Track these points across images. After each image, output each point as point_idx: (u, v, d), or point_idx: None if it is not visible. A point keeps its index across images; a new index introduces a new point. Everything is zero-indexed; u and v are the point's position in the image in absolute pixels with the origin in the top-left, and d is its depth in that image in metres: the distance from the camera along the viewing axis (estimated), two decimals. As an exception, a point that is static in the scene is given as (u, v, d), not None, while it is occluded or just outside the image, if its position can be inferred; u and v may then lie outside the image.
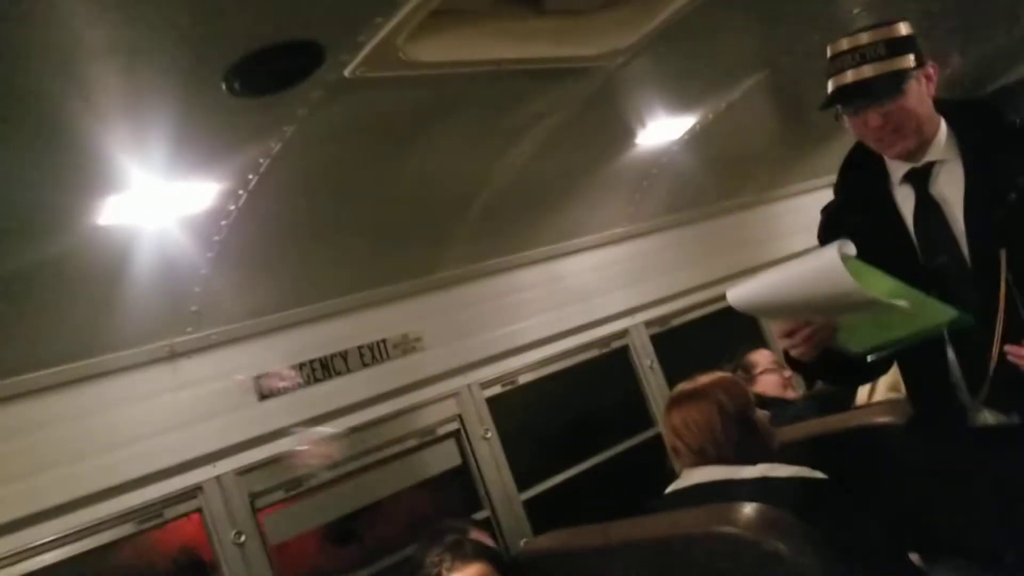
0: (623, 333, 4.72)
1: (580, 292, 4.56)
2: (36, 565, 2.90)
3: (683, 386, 2.96)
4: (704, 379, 2.94)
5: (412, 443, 3.82)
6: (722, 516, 2.31)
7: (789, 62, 3.97)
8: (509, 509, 3.91)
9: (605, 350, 4.68)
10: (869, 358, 2.17)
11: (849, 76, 2.03)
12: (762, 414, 2.85)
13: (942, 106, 2.16)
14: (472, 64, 2.65)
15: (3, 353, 2.79)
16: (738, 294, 2.03)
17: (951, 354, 2.09)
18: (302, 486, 3.47)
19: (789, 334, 2.04)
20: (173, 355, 3.21)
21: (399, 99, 2.78)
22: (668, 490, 2.87)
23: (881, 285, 1.94)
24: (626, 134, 4.02)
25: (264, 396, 3.41)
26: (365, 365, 3.69)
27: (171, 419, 3.19)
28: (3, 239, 2.45)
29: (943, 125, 2.14)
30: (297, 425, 3.48)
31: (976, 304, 1.98)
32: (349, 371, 3.64)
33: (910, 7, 3.62)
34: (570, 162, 3.97)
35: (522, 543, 3.73)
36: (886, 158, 2.21)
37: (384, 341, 3.75)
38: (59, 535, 2.93)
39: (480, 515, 3.86)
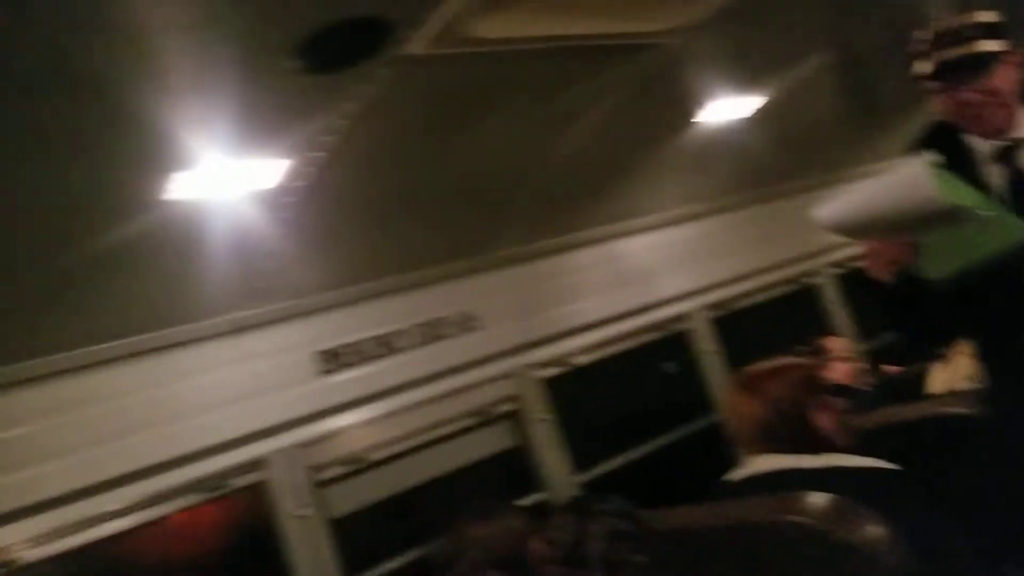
0: (682, 316, 4.66)
1: (638, 274, 4.52)
2: (103, 533, 2.98)
3: (743, 372, 2.90)
4: (764, 367, 2.85)
5: (468, 422, 3.83)
6: (790, 505, 2.23)
7: (858, 40, 3.86)
8: (565, 492, 3.89)
9: (664, 333, 4.62)
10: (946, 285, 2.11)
11: (954, 52, 2.08)
12: (832, 402, 2.76)
13: None
14: (538, 40, 2.62)
15: (74, 325, 2.85)
16: (825, 211, 2.03)
17: None
18: (361, 461, 3.50)
19: (870, 252, 2.10)
20: (238, 328, 3.26)
21: (462, 77, 2.76)
22: (730, 477, 2.82)
23: (964, 196, 1.93)
24: (689, 112, 3.95)
25: (325, 371, 3.44)
26: (423, 343, 3.70)
27: (235, 391, 3.24)
28: (81, 218, 2.50)
29: None
30: (357, 400, 3.51)
31: None
32: (407, 348, 3.66)
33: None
34: (631, 140, 3.92)
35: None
36: (967, 140, 2.17)
37: (441, 319, 3.75)
38: (126, 504, 3.01)
39: (535, 497, 3.85)
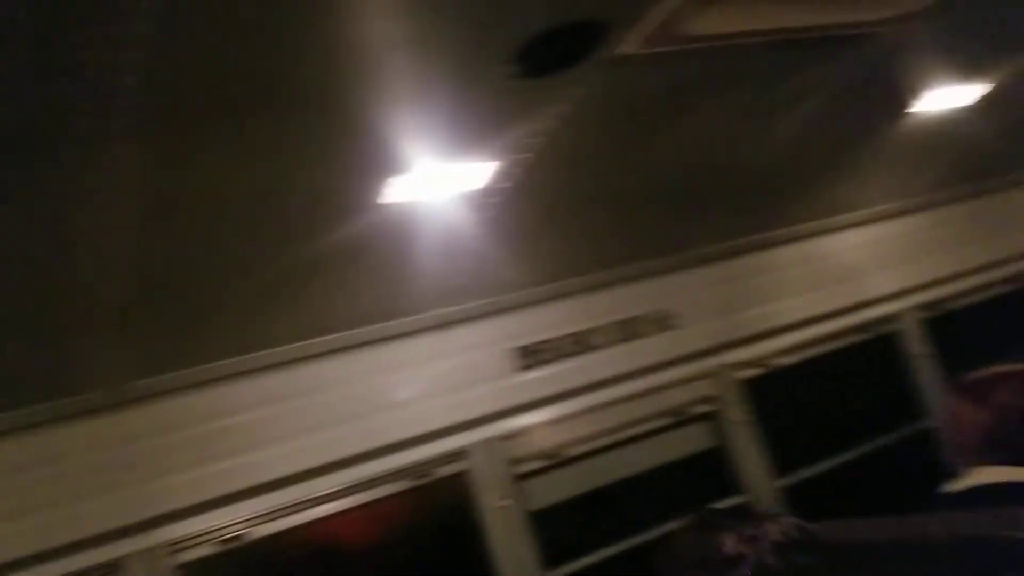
0: (892, 317, 4.40)
1: (844, 272, 4.31)
2: (317, 514, 3.17)
3: (966, 377, 2.71)
4: (990, 372, 2.65)
5: (664, 421, 3.79)
6: (1013, 521, 2.09)
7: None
8: (765, 496, 3.78)
9: (871, 335, 4.39)
10: None
11: None
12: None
13: None
14: (753, 34, 2.54)
15: (300, 319, 3.06)
16: None
17: None
18: (559, 456, 3.55)
19: None
20: (442, 324, 3.38)
21: (671, 74, 2.73)
22: (946, 489, 2.65)
23: None
24: (905, 103, 3.72)
25: (525, 367, 3.51)
26: (618, 341, 3.70)
27: (439, 385, 3.37)
28: (305, 219, 2.67)
29: None
30: (554, 396, 3.56)
31: None
32: (603, 346, 3.67)
33: None
34: (840, 134, 3.74)
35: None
36: None
37: (638, 317, 3.74)
38: (340, 487, 3.19)
39: (733, 501, 3.77)
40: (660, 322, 3.79)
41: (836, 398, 4.35)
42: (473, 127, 2.57)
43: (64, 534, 2.75)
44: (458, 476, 3.37)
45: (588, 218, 3.38)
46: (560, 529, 3.55)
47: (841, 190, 4.16)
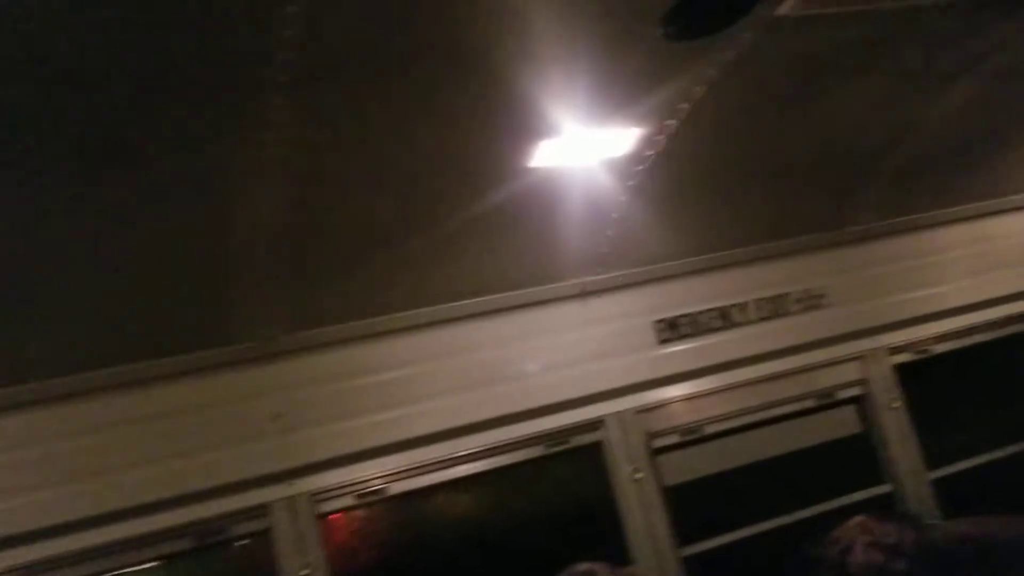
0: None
1: (1012, 257, 4.02)
2: (455, 475, 3.23)
3: None
4: None
5: (809, 404, 3.67)
6: None
7: None
8: (915, 487, 3.61)
9: (1040, 324, 4.09)
10: None
11: None
12: None
13: None
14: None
15: (449, 281, 3.13)
16: None
17: None
18: (696, 433, 3.49)
19: None
20: (584, 293, 3.39)
21: (829, 39, 2.61)
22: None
23: None
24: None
25: (664, 340, 3.47)
26: (764, 318, 3.60)
27: (578, 353, 3.38)
28: (456, 182, 2.72)
29: None
30: (693, 372, 3.51)
31: None
32: (747, 323, 3.59)
33: None
34: (1014, 106, 3.48)
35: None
36: None
37: (785, 295, 3.62)
38: (478, 448, 3.25)
39: (880, 490, 3.61)
40: (809, 301, 3.66)
41: (997, 390, 4.09)
42: (620, 90, 2.55)
43: (212, 478, 2.90)
44: (594, 446, 3.37)
45: (734, 190, 3.30)
46: (695, 507, 3.50)
47: (1011, 168, 3.88)
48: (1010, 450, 3.86)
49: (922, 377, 3.83)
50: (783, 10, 2.26)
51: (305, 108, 2.19)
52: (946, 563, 2.53)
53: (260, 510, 2.97)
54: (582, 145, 2.83)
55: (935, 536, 2.67)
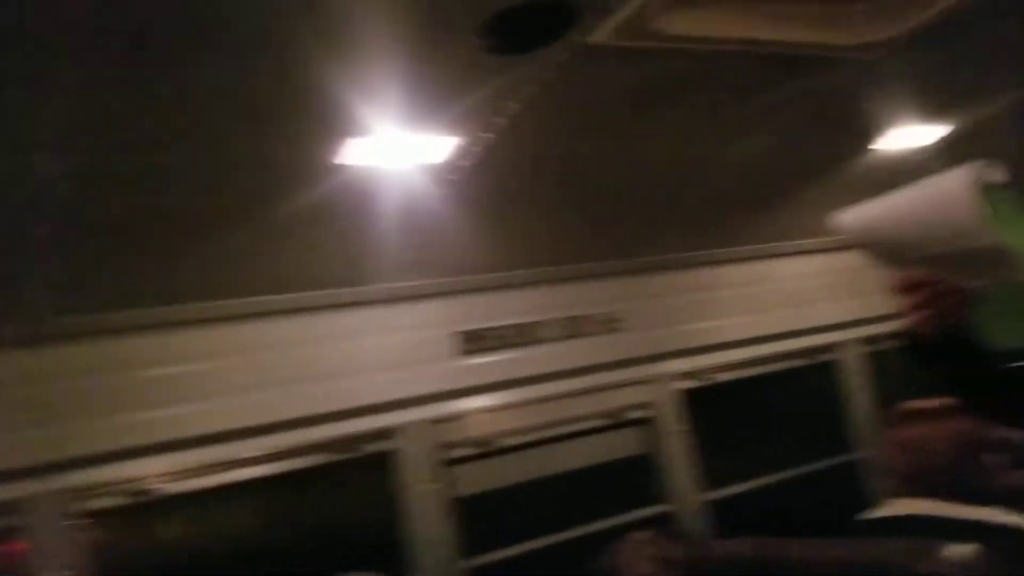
0: (833, 346, 4.46)
1: (789, 297, 4.36)
2: (239, 478, 3.11)
3: (915, 403, 2.74)
4: (929, 406, 2.69)
5: (599, 423, 3.79)
6: (926, 553, 2.11)
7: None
8: (690, 508, 3.80)
9: (810, 361, 4.45)
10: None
11: None
12: (995, 453, 2.58)
13: None
14: (723, 41, 2.55)
15: (243, 275, 3.00)
16: (851, 216, 1.59)
17: None
18: (489, 445, 3.53)
19: (909, 288, 1.56)
20: (388, 299, 3.35)
21: (641, 72, 2.72)
22: (867, 516, 2.68)
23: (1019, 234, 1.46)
24: (869, 136, 3.77)
25: (466, 352, 3.49)
26: (564, 337, 3.70)
27: (377, 360, 3.33)
28: (258, 177, 2.62)
29: None
30: (491, 385, 3.55)
31: None
32: (548, 340, 3.66)
33: None
34: (805, 159, 3.77)
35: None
36: None
37: (585, 316, 3.74)
38: (263, 452, 3.13)
39: (657, 510, 3.78)
40: (607, 324, 3.79)
41: (772, 419, 4.39)
42: (436, 95, 2.55)
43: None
44: (386, 455, 3.33)
45: (544, 210, 3.38)
46: (488, 519, 3.53)
47: (796, 215, 4.20)
48: (782, 476, 4.15)
49: (705, 403, 4.07)
50: (595, 38, 2.33)
51: (96, 78, 2.03)
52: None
53: (13, 505, 2.72)
54: (395, 148, 2.80)
55: (712, 554, 2.79)
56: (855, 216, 1.62)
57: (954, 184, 1.44)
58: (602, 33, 2.34)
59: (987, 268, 1.51)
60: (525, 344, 3.62)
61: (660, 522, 3.69)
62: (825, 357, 4.47)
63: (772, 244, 4.28)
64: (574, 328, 3.72)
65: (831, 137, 3.62)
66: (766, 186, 3.84)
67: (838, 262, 4.48)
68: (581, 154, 3.16)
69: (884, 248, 1.61)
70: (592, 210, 3.54)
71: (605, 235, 3.69)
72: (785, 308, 4.34)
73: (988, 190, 1.43)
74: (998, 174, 1.49)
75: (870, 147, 3.84)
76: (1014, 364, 1.65)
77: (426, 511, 3.29)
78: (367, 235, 3.11)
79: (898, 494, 2.60)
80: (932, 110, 3.69)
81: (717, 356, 4.10)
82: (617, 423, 3.85)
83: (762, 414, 4.33)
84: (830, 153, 3.81)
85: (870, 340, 4.52)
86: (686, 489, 3.83)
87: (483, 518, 3.53)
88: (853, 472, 4.28)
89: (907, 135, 3.81)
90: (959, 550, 2.06)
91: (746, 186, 3.78)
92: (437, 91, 2.55)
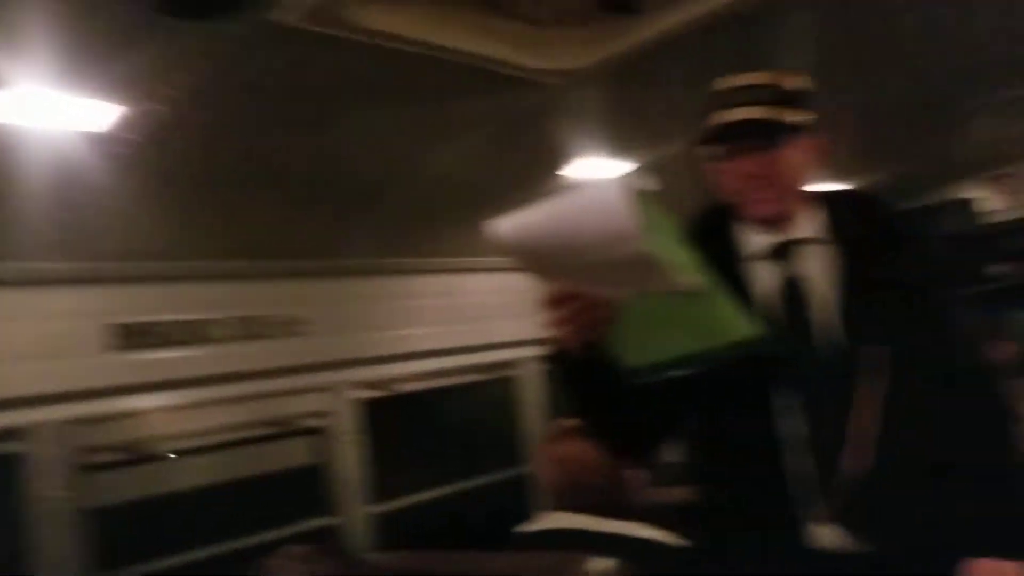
0: (513, 363, 4.59)
1: (476, 313, 4.42)
2: None
3: (560, 425, 2.84)
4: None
5: (273, 430, 3.60)
6: (571, 567, 2.18)
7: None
8: (358, 520, 3.70)
9: (492, 376, 4.56)
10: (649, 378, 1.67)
11: (735, 114, 1.77)
12: (640, 472, 2.74)
13: (818, 193, 1.94)
14: (417, 44, 2.49)
15: None
16: (505, 225, 1.49)
17: (790, 456, 1.79)
18: (141, 451, 3.20)
19: (555, 302, 1.56)
20: (27, 281, 2.92)
21: (332, 62, 2.60)
22: (523, 529, 2.74)
23: (674, 251, 1.49)
24: (557, 163, 3.92)
25: (120, 347, 3.13)
26: (238, 338, 3.45)
27: (11, 349, 2.89)
28: None
29: (817, 207, 1.92)
30: (150, 385, 3.22)
31: (833, 399, 1.77)
32: (219, 341, 3.40)
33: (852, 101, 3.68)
34: (494, 177, 3.81)
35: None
36: (744, 231, 1.93)
37: (263, 317, 3.52)
38: None
39: (323, 521, 3.64)
40: (289, 326, 3.59)
41: (450, 432, 4.43)
42: (98, 53, 2.25)
43: None
44: (11, 458, 2.89)
45: (225, 198, 3.13)
46: (127, 530, 3.18)
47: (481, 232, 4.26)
48: (453, 488, 4.18)
49: (384, 414, 4.00)
50: (283, 18, 2.18)
51: None
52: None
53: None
54: (46, 107, 2.44)
55: (367, 570, 2.70)
56: (507, 224, 1.51)
57: (608, 192, 1.40)
58: (291, 13, 2.19)
59: (636, 279, 1.50)
60: (193, 343, 3.33)
61: (323, 535, 3.55)
62: (505, 373, 4.59)
63: (461, 259, 4.31)
64: (250, 329, 3.49)
65: (521, 158, 3.70)
66: (458, 199, 3.85)
67: (523, 281, 4.63)
68: (270, 142, 2.96)
69: (535, 258, 1.54)
70: (279, 204, 3.34)
71: (291, 233, 3.51)
72: (470, 322, 4.40)
73: (640, 198, 1.41)
74: (650, 183, 1.48)
75: (558, 173, 4.00)
76: (642, 383, 1.69)
77: (56, 521, 2.89)
78: (7, 204, 2.69)
79: (552, 508, 2.68)
80: (620, 143, 3.90)
81: (400, 367, 4.05)
82: (289, 431, 3.66)
83: (441, 427, 4.35)
84: (519, 174, 3.90)
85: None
86: (356, 502, 3.72)
87: (133, 529, 3.19)
88: (523, 486, 4.42)
89: (594, 165, 4.01)
90: (602, 563, 2.15)
91: (439, 197, 3.77)
92: (100, 47, 2.25)
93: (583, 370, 1.64)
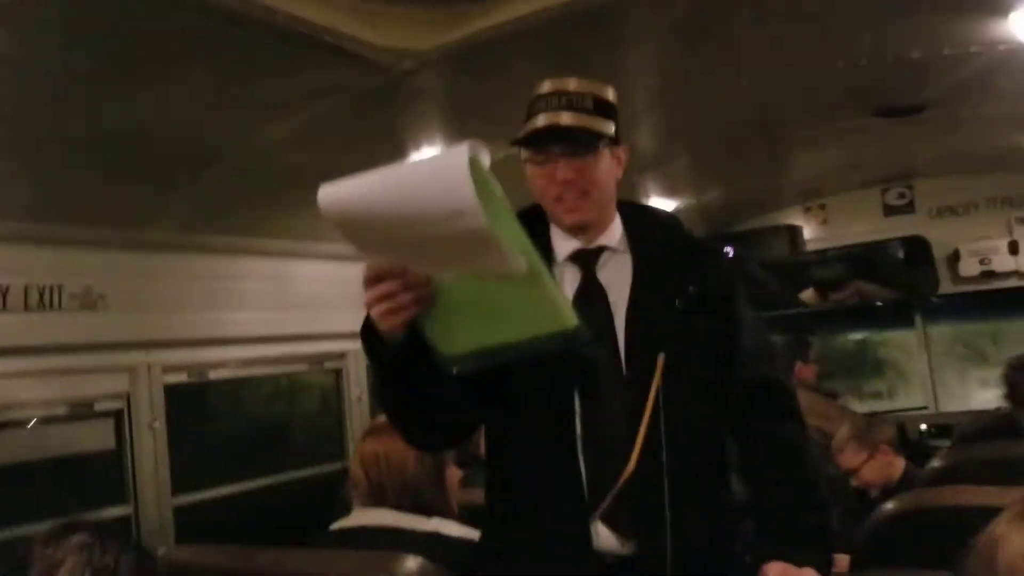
0: (340, 355, 4.43)
1: (305, 301, 4.21)
2: None
3: (381, 422, 2.77)
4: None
5: (62, 411, 3.29)
6: (383, 564, 2.13)
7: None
8: (157, 511, 3.44)
9: (316, 368, 4.39)
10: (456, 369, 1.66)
11: (548, 119, 1.82)
12: (455, 471, 2.71)
13: (620, 205, 2.03)
14: (255, 6, 2.32)
15: None
16: (333, 192, 1.43)
17: (577, 457, 1.83)
18: None
19: (376, 279, 1.54)
20: None
21: (160, 22, 2.39)
22: (335, 526, 2.65)
23: (507, 227, 1.46)
24: (397, 150, 3.79)
25: None
26: (29, 308, 3.12)
27: None
28: None
29: (618, 218, 2.00)
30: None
31: (621, 406, 1.83)
32: (6, 309, 3.06)
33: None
34: (331, 160, 3.65)
35: (161, 551, 3.28)
36: (553, 235, 1.99)
37: (61, 287, 3.19)
38: None
39: (120, 510, 3.37)
40: (86, 299, 3.28)
41: (267, 424, 4.23)
42: None
43: None
44: None
45: (18, 150, 2.81)
46: None
47: (316, 216, 4.09)
48: (258, 483, 3.97)
49: (194, 401, 3.76)
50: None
51: None
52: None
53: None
54: None
55: (153, 565, 2.53)
56: (336, 190, 1.45)
57: (448, 163, 1.36)
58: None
59: (468, 257, 1.47)
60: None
61: (116, 525, 3.28)
62: (331, 365, 4.43)
63: (294, 243, 4.10)
64: (47, 299, 3.16)
65: (362, 141, 3.55)
66: (290, 180, 3.65)
67: (356, 272, 4.47)
68: (70, 94, 2.67)
69: (362, 228, 1.49)
70: (84, 163, 3.03)
71: (100, 198, 3.20)
72: (300, 310, 4.20)
73: (478, 171, 1.38)
74: (486, 156, 1.44)
75: (399, 159, 3.87)
76: (450, 372, 1.63)
77: None
78: None
79: (367, 504, 2.61)
80: (457, 134, 3.82)
81: (215, 352, 3.82)
82: (87, 413, 3.36)
83: (255, 418, 4.14)
84: (359, 160, 3.74)
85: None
86: (154, 492, 3.45)
87: None
88: (340, 482, 4.27)
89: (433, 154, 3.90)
90: (410, 562, 2.10)
91: (273, 175, 3.57)
92: None
93: (394, 353, 1.62)
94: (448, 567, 2.15)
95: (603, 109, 1.87)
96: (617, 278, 1.93)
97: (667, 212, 2.16)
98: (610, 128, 1.88)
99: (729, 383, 1.92)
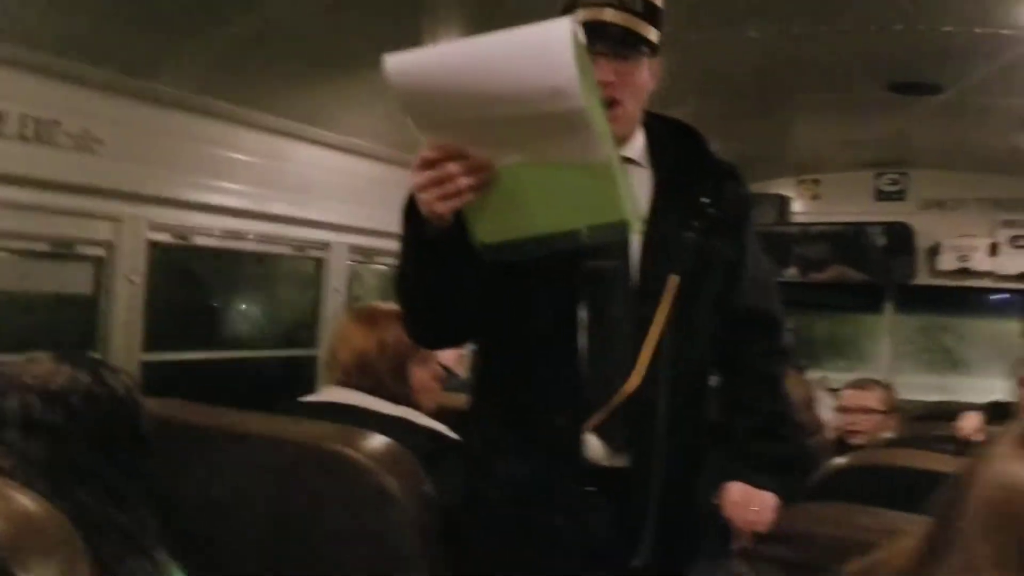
0: (323, 245, 4.43)
1: (294, 184, 4.17)
2: None
3: (366, 306, 2.81)
4: (389, 308, 2.76)
5: (43, 248, 3.27)
6: (346, 437, 2.15)
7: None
8: (124, 363, 3.44)
9: (299, 254, 4.39)
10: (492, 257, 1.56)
11: (604, 14, 1.70)
12: (433, 365, 2.72)
13: (645, 115, 1.93)
14: None
15: None
16: (407, 60, 1.31)
17: (579, 367, 1.80)
18: None
19: (430, 162, 1.44)
20: None
21: None
22: (304, 399, 2.68)
23: (597, 112, 1.37)
24: (427, 29, 3.65)
25: None
26: (25, 138, 3.06)
27: None
28: None
29: (641, 130, 1.93)
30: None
31: (628, 323, 1.80)
32: (2, 135, 3.00)
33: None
34: (344, 41, 3.53)
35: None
36: None
37: (58, 123, 3.14)
38: None
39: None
40: (83, 140, 3.23)
41: (246, 300, 4.23)
42: None
43: None
44: None
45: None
46: None
47: (344, 104, 4.02)
48: (228, 354, 4.00)
49: (176, 262, 3.76)
50: None
51: None
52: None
53: None
54: None
55: (115, 383, 2.48)
56: (408, 59, 1.32)
57: (549, 35, 1.26)
58: None
59: (547, 141, 1.36)
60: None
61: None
62: (313, 253, 4.43)
63: (292, 123, 4.04)
64: (39, 132, 3.09)
65: (376, 21, 3.38)
66: (302, 55, 3.57)
67: (362, 168, 4.44)
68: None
69: (430, 104, 1.35)
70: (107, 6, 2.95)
71: (109, 36, 3.10)
72: (294, 193, 4.17)
73: (578, 48, 1.29)
74: (582, 32, 1.36)
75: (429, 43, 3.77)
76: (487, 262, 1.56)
77: None
78: None
79: (336, 382, 2.64)
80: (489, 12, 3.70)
81: (206, 219, 3.79)
82: (64, 255, 3.34)
83: (233, 290, 4.14)
84: (373, 40, 3.64)
85: (361, 251, 4.60)
86: (123, 344, 3.45)
87: None
88: (309, 367, 4.31)
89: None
90: (376, 439, 2.13)
91: (283, 47, 3.48)
92: None
93: (438, 240, 1.52)
94: (412, 452, 2.16)
95: (651, 13, 1.75)
96: (636, 193, 1.82)
97: (688, 125, 2.01)
98: (655, 36, 1.77)
99: (726, 309, 1.92)
